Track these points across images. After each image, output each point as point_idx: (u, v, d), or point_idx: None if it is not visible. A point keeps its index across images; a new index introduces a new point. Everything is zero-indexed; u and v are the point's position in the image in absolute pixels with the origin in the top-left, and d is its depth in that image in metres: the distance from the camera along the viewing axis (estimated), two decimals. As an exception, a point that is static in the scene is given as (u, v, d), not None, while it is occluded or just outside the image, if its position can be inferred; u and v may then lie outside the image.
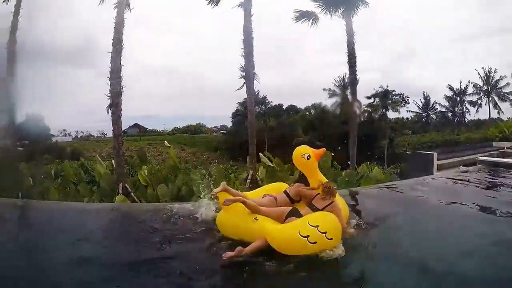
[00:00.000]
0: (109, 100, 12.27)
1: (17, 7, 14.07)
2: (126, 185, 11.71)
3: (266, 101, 58.11)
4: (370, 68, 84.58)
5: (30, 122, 57.25)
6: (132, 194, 11.55)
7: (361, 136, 15.38)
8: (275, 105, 62.48)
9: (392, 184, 10.30)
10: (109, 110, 12.21)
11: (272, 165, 13.51)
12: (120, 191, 11.49)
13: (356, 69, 14.89)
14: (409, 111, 60.93)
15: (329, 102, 55.95)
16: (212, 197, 6.09)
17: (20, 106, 14.46)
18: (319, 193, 5.63)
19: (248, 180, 11.90)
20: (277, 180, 11.96)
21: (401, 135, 51.73)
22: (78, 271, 5.12)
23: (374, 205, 7.79)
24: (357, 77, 15.18)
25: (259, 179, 11.92)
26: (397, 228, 6.22)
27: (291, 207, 5.60)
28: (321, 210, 5.41)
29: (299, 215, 5.32)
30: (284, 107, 63.17)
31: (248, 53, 12.75)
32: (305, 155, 6.05)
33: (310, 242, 4.83)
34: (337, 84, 53.02)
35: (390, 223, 6.43)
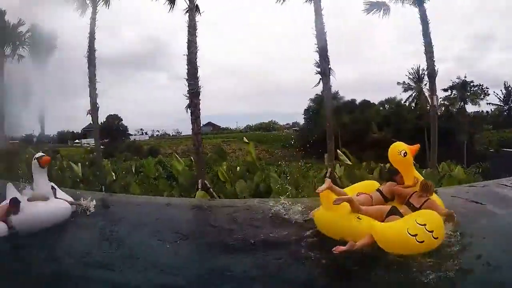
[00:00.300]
0: (187, 100, 12.65)
1: (93, 19, 15.03)
2: (205, 181, 12.07)
3: (338, 96, 56.75)
4: (445, 57, 79.48)
5: (110, 123, 60.82)
6: (211, 189, 11.90)
7: (438, 132, 14.58)
8: (348, 100, 60.84)
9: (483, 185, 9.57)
10: (188, 109, 12.60)
11: (350, 163, 13.31)
12: (200, 187, 11.87)
13: (434, 59, 14.06)
14: (490, 103, 54.98)
15: (404, 96, 54.09)
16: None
17: (101, 108, 15.28)
18: (415, 191, 5.56)
19: (326, 178, 11.75)
20: (355, 178, 11.83)
21: (481, 130, 47.84)
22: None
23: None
24: (436, 68, 14.28)
25: (337, 177, 11.78)
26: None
27: (391, 206, 5.53)
28: (419, 208, 5.34)
29: (399, 214, 5.27)
30: (357, 102, 61.61)
31: (322, 48, 12.57)
32: (401, 152, 5.96)
33: (418, 241, 4.77)
34: (411, 77, 51.00)
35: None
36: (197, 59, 12.74)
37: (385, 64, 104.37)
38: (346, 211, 5.44)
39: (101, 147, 22.60)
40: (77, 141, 76.08)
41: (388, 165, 13.05)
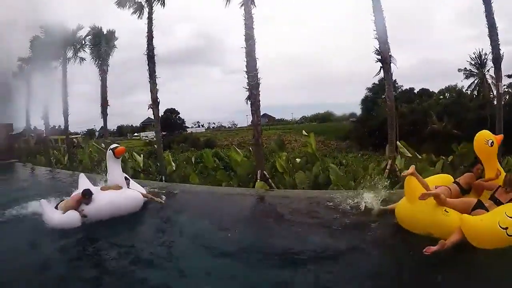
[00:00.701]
0: (247, 92, 12.80)
1: (150, 19, 15.58)
2: (264, 172, 12.19)
3: (396, 85, 55.05)
4: (509, 39, 74.33)
5: (168, 116, 62.52)
6: (269, 180, 12.00)
7: (503, 123, 13.76)
8: (406, 89, 59.38)
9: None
10: (248, 101, 12.74)
11: (410, 155, 12.96)
12: (259, 178, 12.01)
13: (498, 42, 13.22)
14: None
15: (465, 84, 51.72)
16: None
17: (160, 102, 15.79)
18: (500, 186, 5.39)
19: (387, 170, 11.54)
20: (416, 171, 11.50)
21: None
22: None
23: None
24: (501, 52, 13.41)
25: (397, 169, 11.52)
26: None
27: (476, 199, 5.39)
28: (505, 203, 5.14)
29: (485, 208, 5.13)
30: (415, 91, 59.79)
31: (382, 34, 12.26)
32: (489, 141, 5.86)
33: (508, 235, 4.67)
34: (473, 62, 48.65)
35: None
36: (255, 51, 12.81)
37: (445, 50, 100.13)
38: (432, 204, 5.32)
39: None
40: (136, 134, 79.08)
41: (450, 158, 12.68)
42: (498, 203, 5.19)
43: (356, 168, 13.53)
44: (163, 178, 14.80)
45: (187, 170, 16.47)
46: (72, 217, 7.34)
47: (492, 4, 13.22)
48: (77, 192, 8.08)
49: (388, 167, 11.63)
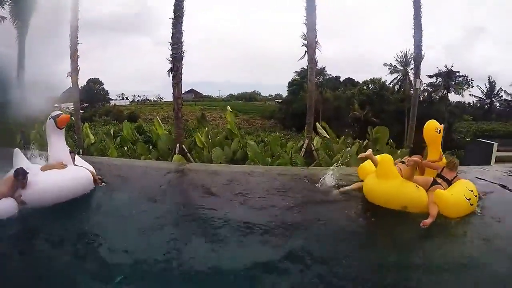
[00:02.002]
0: (170, 64, 12.57)
1: None
2: (183, 146, 12.11)
3: (324, 72, 56.80)
4: (434, 45, 79.87)
5: (91, 86, 59.91)
6: (188, 154, 11.95)
7: (418, 117, 14.75)
8: (332, 77, 61.07)
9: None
10: (170, 74, 12.53)
11: (328, 136, 13.47)
12: (177, 151, 11.92)
13: (421, 43, 14.16)
14: (472, 95, 55.74)
15: (389, 78, 54.37)
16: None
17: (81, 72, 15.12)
18: (444, 166, 6.07)
19: (303, 149, 11.92)
20: (332, 151, 12.00)
21: (460, 120, 48.44)
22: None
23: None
24: (422, 53, 14.41)
25: (313, 149, 11.92)
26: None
27: (432, 177, 6.04)
28: (451, 180, 5.91)
29: (439, 184, 5.81)
30: (341, 79, 61.91)
31: (311, 22, 12.48)
32: (437, 129, 6.48)
33: (471, 204, 5.53)
34: (399, 60, 51.16)
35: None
36: (182, 23, 12.59)
37: (375, 45, 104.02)
38: (405, 181, 5.84)
39: (81, 111, 22.33)
40: (56, 105, 74.91)
41: (366, 142, 13.34)
42: (445, 180, 5.92)
43: (273, 145, 13.80)
44: (80, 151, 14.23)
45: (106, 143, 15.99)
46: (5, 206, 5.92)
47: (421, 9, 14.08)
48: (10, 174, 6.57)
49: (304, 146, 11.99)
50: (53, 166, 6.82)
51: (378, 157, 6.32)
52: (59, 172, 6.68)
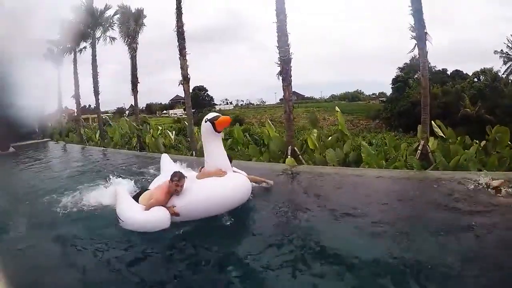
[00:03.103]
0: (279, 67, 12.75)
1: None
2: (295, 148, 12.19)
3: (429, 65, 54.01)
4: None
5: (197, 93, 62.90)
6: (300, 156, 12.01)
7: None
8: (439, 70, 58.06)
9: None
10: (279, 76, 12.73)
11: (444, 136, 12.71)
12: (289, 154, 12.03)
13: None
14: None
15: (502, 68, 50.09)
16: None
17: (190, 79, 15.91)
18: None
19: (419, 151, 11.32)
20: (450, 153, 11.29)
21: None
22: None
23: None
24: None
25: (429, 151, 11.30)
26: None
27: None
28: None
29: None
30: (448, 72, 58.45)
31: (417, 10, 11.91)
32: None
33: None
34: (511, 45, 46.98)
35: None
36: (287, 26, 12.73)
37: (482, 30, 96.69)
38: None
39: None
40: (164, 112, 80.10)
41: (483, 142, 12.32)
42: None
43: (388, 147, 13.34)
44: (193, 153, 15.01)
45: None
46: (161, 217, 5.51)
47: None
48: (162, 180, 6.22)
49: (420, 148, 11.40)
50: (211, 173, 6.29)
51: None
52: (218, 180, 6.14)
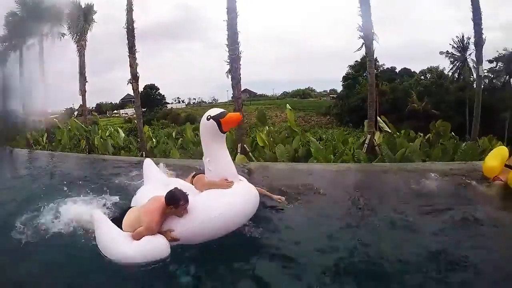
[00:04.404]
0: (228, 66, 12.81)
1: None
2: (245, 145, 12.29)
3: (378, 63, 56.13)
4: (492, 26, 76.14)
5: (148, 92, 61.87)
6: (250, 154, 12.12)
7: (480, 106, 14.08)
8: (388, 68, 60.33)
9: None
10: (229, 75, 12.78)
11: (390, 131, 13.25)
12: (239, 151, 12.11)
13: (481, 26, 13.50)
14: None
15: (447, 66, 52.46)
16: None
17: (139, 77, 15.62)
18: None
19: (365, 145, 11.78)
20: (395, 146, 11.81)
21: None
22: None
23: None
24: (484, 36, 13.71)
25: (375, 144, 11.76)
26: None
27: None
28: None
29: None
30: (397, 70, 60.84)
31: (365, 12, 12.29)
32: None
33: None
34: (456, 46, 49.31)
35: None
36: (237, 24, 12.78)
37: (428, 31, 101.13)
38: None
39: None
40: (115, 111, 78.33)
41: (428, 135, 12.98)
42: None
43: (337, 142, 13.73)
44: (143, 154, 14.77)
45: (168, 145, 16.49)
46: (156, 247, 4.30)
47: None
48: (149, 194, 4.97)
49: (367, 142, 11.84)
50: (215, 184, 4.98)
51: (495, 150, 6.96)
52: (226, 193, 4.86)
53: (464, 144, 12.43)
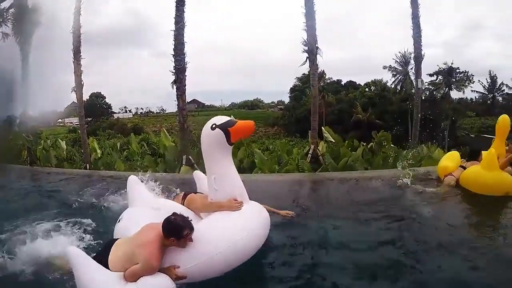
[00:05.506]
0: (173, 76, 12.69)
1: None
2: (190, 156, 12.22)
3: (325, 76, 58.06)
4: (433, 43, 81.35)
5: (93, 101, 60.21)
6: (195, 165, 12.04)
7: (421, 116, 14.88)
8: (334, 80, 62.67)
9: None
10: (174, 85, 12.67)
11: (333, 141, 13.62)
12: (184, 163, 12.03)
13: (421, 43, 14.31)
14: (474, 91, 56.55)
15: (390, 79, 54.94)
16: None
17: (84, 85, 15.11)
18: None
19: (309, 155, 12.03)
20: (338, 156, 12.15)
21: (464, 117, 48.84)
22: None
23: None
24: (422, 52, 14.53)
25: (319, 154, 12.04)
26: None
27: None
28: None
29: None
30: (342, 83, 63.08)
31: (310, 27, 12.60)
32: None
33: None
34: (398, 60, 51.85)
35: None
36: (184, 35, 12.72)
37: (373, 47, 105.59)
38: (500, 170, 6.58)
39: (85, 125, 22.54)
40: (59, 120, 75.46)
41: (370, 144, 13.45)
42: None
43: (281, 152, 13.93)
44: (87, 166, 14.31)
45: (112, 157, 16.12)
46: None
47: (419, 7, 14.16)
48: (137, 219, 4.24)
49: (310, 151, 12.09)
50: (222, 205, 4.22)
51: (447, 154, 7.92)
52: (237, 217, 4.12)
53: (404, 151, 12.93)
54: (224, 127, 4.15)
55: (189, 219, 3.65)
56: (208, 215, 4.31)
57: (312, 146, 12.22)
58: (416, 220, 5.53)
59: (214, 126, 4.20)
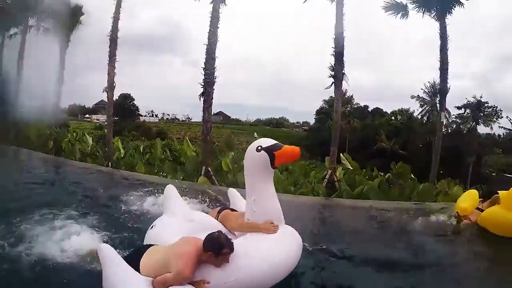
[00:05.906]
0: (202, 88, 13.03)
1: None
2: (209, 168, 12.47)
3: (352, 100, 57.86)
4: (463, 74, 79.83)
5: (122, 101, 61.21)
6: (213, 177, 12.29)
7: (446, 149, 14.82)
8: (360, 106, 62.26)
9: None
10: (201, 98, 12.99)
11: (351, 168, 13.72)
12: (202, 173, 12.29)
13: (447, 76, 14.30)
14: (502, 127, 54.89)
15: (418, 110, 54.23)
16: None
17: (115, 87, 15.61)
18: None
19: (326, 180, 12.16)
20: (354, 183, 12.24)
21: (490, 153, 47.46)
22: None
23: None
24: (448, 85, 14.48)
25: (336, 180, 12.15)
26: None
27: None
28: None
29: None
30: (369, 109, 62.67)
31: (339, 53, 12.82)
32: None
33: None
34: (427, 91, 51.20)
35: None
36: (216, 50, 13.05)
37: (404, 74, 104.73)
38: None
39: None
40: (87, 116, 76.91)
41: (388, 175, 13.48)
42: None
43: (298, 174, 14.06)
44: (110, 164, 14.70)
45: (135, 158, 16.48)
46: None
47: (447, 39, 14.24)
48: (172, 229, 4.41)
49: (327, 177, 12.22)
50: (257, 227, 4.22)
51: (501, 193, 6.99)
52: (271, 240, 4.12)
53: (421, 185, 12.90)
54: (269, 150, 4.11)
55: (231, 241, 3.69)
56: (242, 235, 4.28)
57: (329, 171, 12.36)
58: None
59: (260, 148, 4.16)
